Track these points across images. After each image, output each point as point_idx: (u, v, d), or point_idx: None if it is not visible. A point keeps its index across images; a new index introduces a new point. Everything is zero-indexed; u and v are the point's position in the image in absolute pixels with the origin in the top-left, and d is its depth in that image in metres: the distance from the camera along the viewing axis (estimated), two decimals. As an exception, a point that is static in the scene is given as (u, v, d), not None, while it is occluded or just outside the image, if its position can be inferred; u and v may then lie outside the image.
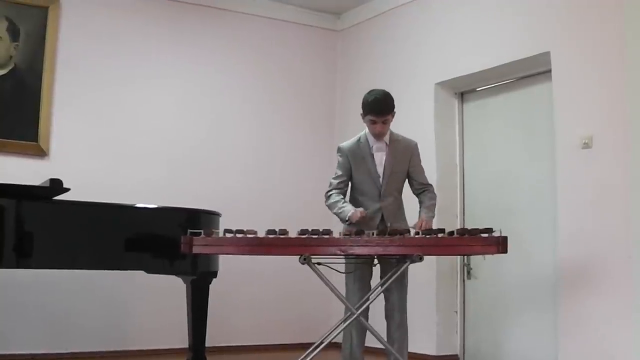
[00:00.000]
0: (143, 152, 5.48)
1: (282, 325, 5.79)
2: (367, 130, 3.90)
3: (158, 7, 5.68)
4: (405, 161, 3.93)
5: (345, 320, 3.65)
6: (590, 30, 4.27)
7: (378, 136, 3.85)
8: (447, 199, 5.17)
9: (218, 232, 3.45)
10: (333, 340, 3.56)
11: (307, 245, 3.30)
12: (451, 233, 3.39)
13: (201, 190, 5.48)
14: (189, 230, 3.30)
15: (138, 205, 4.15)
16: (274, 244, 3.31)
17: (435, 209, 3.92)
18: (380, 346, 3.68)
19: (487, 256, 3.48)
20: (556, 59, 4.44)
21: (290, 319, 5.82)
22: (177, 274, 4.21)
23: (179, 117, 5.70)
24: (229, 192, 5.65)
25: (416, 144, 3.98)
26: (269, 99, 6.11)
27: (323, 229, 3.37)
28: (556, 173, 4.41)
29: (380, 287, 3.71)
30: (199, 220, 4.10)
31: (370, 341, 3.80)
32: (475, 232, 3.35)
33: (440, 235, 3.41)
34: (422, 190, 3.96)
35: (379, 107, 3.78)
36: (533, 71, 4.78)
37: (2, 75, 5.05)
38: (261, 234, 3.33)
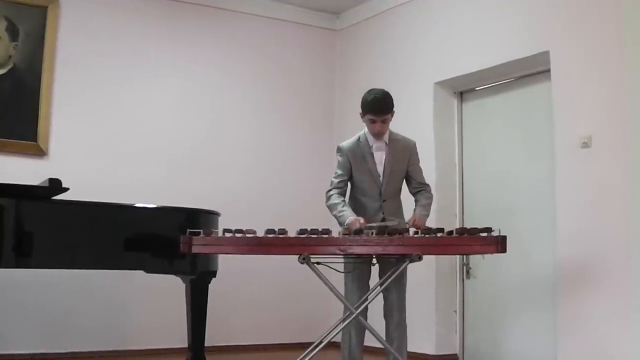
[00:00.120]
0: (142, 151, 5.48)
1: (281, 324, 5.79)
2: (366, 129, 3.90)
3: (157, 6, 5.68)
4: (405, 160, 3.92)
5: (344, 320, 3.64)
6: (590, 29, 4.27)
7: (377, 135, 3.84)
8: (446, 199, 5.18)
9: (217, 232, 3.44)
10: (332, 340, 3.55)
11: (306, 245, 3.29)
12: (450, 232, 3.39)
13: (200, 190, 5.48)
14: (188, 230, 3.29)
15: (137, 205, 4.15)
16: (273, 243, 3.30)
17: (431, 209, 3.92)
18: (380, 345, 3.68)
19: (486, 256, 3.49)
20: (555, 58, 4.44)
21: (290, 319, 5.82)
22: (176, 273, 4.21)
23: (178, 116, 5.70)
24: (228, 191, 5.65)
25: (415, 144, 3.98)
26: (268, 98, 6.11)
27: (322, 229, 3.36)
28: (555, 172, 4.41)
29: (379, 287, 3.71)
30: (198, 219, 4.10)
31: (370, 340, 3.80)
32: (474, 231, 3.34)
33: (439, 234, 3.41)
34: (420, 189, 3.95)
35: (378, 106, 3.78)
36: (532, 71, 4.78)
37: (1, 74, 5.04)
38: (260, 233, 3.33)
